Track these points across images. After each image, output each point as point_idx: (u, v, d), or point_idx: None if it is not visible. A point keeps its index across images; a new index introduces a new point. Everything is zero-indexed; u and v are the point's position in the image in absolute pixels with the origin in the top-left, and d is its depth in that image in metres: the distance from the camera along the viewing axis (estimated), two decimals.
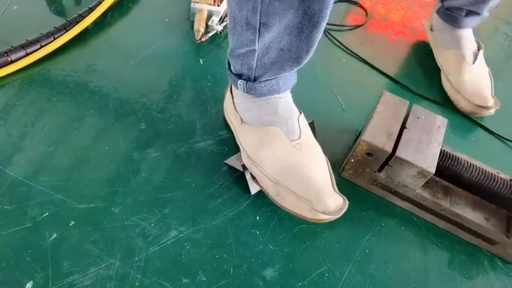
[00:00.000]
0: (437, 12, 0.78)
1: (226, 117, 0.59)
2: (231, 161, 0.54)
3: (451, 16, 0.74)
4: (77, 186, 0.50)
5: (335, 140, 0.62)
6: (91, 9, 0.71)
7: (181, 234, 0.47)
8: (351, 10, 0.93)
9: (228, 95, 0.58)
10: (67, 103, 0.59)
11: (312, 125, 0.56)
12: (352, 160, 0.53)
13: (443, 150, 0.51)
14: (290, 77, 0.50)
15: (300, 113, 0.52)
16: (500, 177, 0.50)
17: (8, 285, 0.41)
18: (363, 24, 0.88)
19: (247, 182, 0.51)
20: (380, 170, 0.52)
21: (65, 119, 0.57)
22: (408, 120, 0.53)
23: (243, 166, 0.51)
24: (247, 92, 0.50)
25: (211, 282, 0.44)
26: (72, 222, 0.47)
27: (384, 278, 0.48)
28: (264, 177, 0.48)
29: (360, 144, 0.50)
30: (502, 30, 0.99)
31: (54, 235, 0.45)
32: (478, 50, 0.76)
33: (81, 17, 0.69)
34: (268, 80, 0.48)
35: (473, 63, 0.72)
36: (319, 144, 0.52)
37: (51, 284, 0.41)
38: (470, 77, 0.71)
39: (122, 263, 0.44)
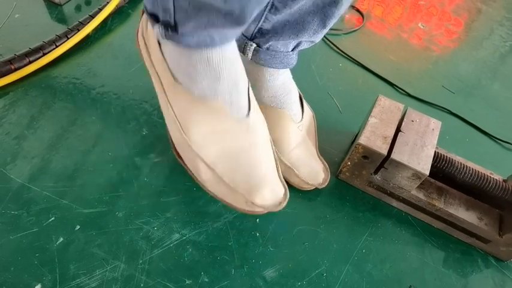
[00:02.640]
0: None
1: (145, 56, 0.44)
2: None
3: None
4: (82, 191, 0.51)
5: (332, 142, 0.63)
6: (92, 17, 0.72)
7: (184, 237, 0.49)
8: (347, 14, 0.95)
9: (148, 25, 0.41)
10: (69, 110, 0.60)
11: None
12: (349, 163, 0.54)
13: (438, 152, 0.53)
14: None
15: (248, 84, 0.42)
16: (493, 178, 0.52)
17: None
18: (360, 28, 0.90)
19: None
20: (376, 172, 0.54)
21: (68, 125, 0.58)
22: (403, 123, 0.55)
23: None
24: (168, 40, 0.36)
25: (213, 283, 0.45)
26: (78, 227, 0.48)
27: (380, 276, 0.49)
28: (197, 159, 0.40)
29: (356, 147, 0.51)
30: (496, 32, 1.00)
31: (61, 239, 0.47)
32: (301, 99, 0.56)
33: (82, 24, 0.70)
34: (194, 32, 0.34)
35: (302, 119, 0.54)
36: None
37: (59, 286, 0.43)
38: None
39: (127, 265, 0.46)
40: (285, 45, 0.48)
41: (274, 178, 0.42)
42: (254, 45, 0.47)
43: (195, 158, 0.40)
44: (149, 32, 0.41)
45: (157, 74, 0.43)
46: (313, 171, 0.54)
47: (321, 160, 0.56)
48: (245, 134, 0.40)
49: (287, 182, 0.54)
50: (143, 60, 0.45)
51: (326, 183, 0.54)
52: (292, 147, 0.54)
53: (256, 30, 0.45)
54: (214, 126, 0.39)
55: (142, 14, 0.44)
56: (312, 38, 0.47)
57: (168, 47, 0.39)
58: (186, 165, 0.42)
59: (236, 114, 0.40)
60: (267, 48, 0.47)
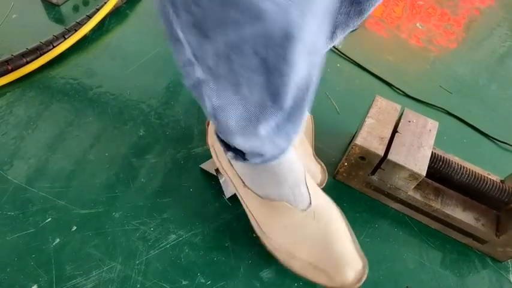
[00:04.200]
0: None
1: (216, 161, 0.50)
2: (206, 165, 0.55)
3: None
4: (78, 192, 0.51)
5: (330, 143, 0.63)
6: (89, 17, 0.72)
7: (180, 238, 0.49)
8: None
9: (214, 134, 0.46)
10: (67, 110, 0.60)
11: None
12: (346, 163, 0.54)
13: (434, 153, 0.53)
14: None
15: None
16: (490, 179, 0.52)
17: None
18: (357, 28, 0.90)
19: (220, 185, 0.52)
20: (373, 173, 0.54)
21: (65, 126, 0.58)
22: (400, 124, 0.55)
23: (216, 170, 0.51)
24: (237, 161, 0.43)
25: (210, 283, 0.45)
26: (74, 227, 0.48)
27: (377, 277, 0.49)
28: (278, 250, 0.45)
29: (352, 148, 0.51)
30: (495, 33, 1.00)
31: (57, 240, 0.47)
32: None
33: (80, 24, 0.70)
34: (260, 156, 0.40)
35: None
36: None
37: (55, 287, 0.43)
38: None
39: (123, 266, 0.46)
40: None
41: (352, 254, 0.44)
42: None
43: (275, 249, 0.45)
44: (214, 136, 0.46)
45: (227, 174, 0.48)
46: (310, 172, 0.54)
47: (317, 161, 0.56)
48: (312, 221, 0.44)
49: None
50: (216, 164, 0.51)
51: (323, 184, 0.54)
52: None
53: None
54: (284, 221, 0.44)
55: (208, 124, 0.50)
56: None
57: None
58: (269, 250, 0.46)
59: (302, 207, 0.44)
60: None
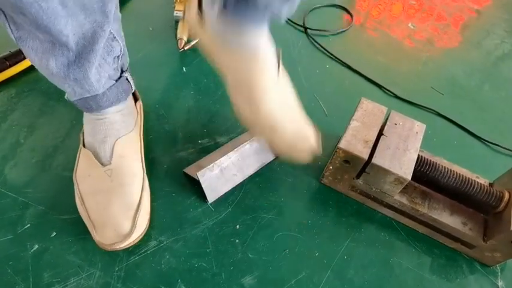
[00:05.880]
0: None
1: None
2: (189, 169, 0.54)
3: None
4: (59, 198, 0.50)
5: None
6: None
7: (161, 244, 0.48)
8: (335, 14, 0.94)
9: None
10: (51, 114, 0.60)
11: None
12: (331, 167, 0.53)
13: (421, 156, 0.52)
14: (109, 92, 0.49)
15: (130, 132, 0.52)
16: (478, 182, 0.51)
17: None
18: (348, 29, 0.89)
19: (203, 190, 0.51)
20: (358, 176, 0.53)
21: (53, 130, 0.58)
22: (386, 126, 0.54)
23: (198, 175, 0.50)
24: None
25: None
26: (54, 233, 0.47)
27: (362, 283, 0.48)
28: (77, 195, 0.48)
29: (336, 151, 0.50)
30: (491, 34, 0.99)
31: (36, 246, 0.46)
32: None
33: None
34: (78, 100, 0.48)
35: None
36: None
37: None
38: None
39: (103, 272, 0.45)
40: None
41: (122, 219, 0.46)
42: None
43: (76, 193, 0.49)
44: None
45: None
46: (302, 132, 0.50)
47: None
48: (108, 179, 0.48)
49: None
50: None
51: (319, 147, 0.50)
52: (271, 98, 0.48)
53: None
54: (87, 169, 0.49)
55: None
56: None
57: None
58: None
59: (103, 163, 0.49)
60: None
